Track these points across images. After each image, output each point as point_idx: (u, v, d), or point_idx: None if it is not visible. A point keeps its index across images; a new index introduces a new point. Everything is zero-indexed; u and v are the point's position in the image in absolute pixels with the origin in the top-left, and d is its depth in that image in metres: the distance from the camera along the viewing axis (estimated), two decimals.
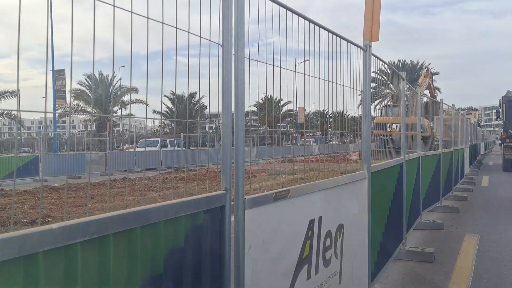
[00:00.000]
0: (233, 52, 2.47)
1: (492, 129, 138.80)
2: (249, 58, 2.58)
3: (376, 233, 5.09)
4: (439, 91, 67.22)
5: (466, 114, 26.62)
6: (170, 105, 52.30)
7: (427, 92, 35.80)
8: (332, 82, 3.88)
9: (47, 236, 1.51)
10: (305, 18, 3.30)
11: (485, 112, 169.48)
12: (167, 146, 30.74)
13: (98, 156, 26.52)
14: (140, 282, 1.92)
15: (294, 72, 3.28)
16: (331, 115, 5.84)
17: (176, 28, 2.09)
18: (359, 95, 4.71)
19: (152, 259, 1.99)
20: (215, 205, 2.40)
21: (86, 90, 53.57)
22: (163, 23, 2.01)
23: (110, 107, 54.94)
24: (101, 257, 1.74)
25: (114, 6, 1.83)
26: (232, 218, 2.49)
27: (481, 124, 61.06)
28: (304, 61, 3.48)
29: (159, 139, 29.52)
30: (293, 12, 3.11)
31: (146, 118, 2.27)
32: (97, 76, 54.60)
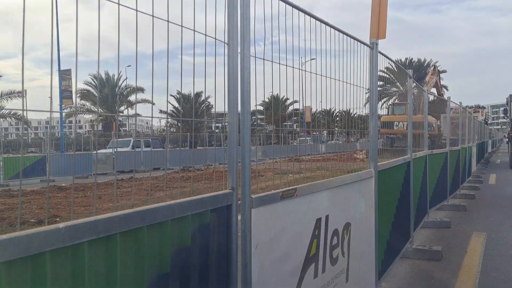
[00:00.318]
0: (239, 50, 2.46)
1: (499, 127, 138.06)
2: (255, 57, 2.57)
3: (383, 231, 5.07)
4: (446, 89, 66.86)
5: (474, 112, 26.47)
6: (177, 104, 52.43)
7: (434, 90, 35.61)
8: (339, 81, 3.87)
9: (54, 236, 1.52)
10: (311, 15, 3.28)
11: (493, 110, 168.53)
12: (141, 147, 29.19)
13: (105, 155, 26.57)
14: (147, 281, 1.92)
15: (300, 71, 3.27)
16: (337, 114, 5.82)
17: (182, 26, 2.09)
18: (366, 93, 4.69)
19: (159, 258, 1.99)
20: (222, 204, 2.40)
21: (92, 90, 53.78)
22: (168, 21, 2.00)
23: (117, 106, 55.17)
24: (108, 256, 1.74)
25: (119, 4, 1.83)
26: (239, 217, 2.49)
27: (489, 122, 60.77)
28: (311, 59, 3.46)
29: (131, 139, 28.68)
30: (299, 9, 3.10)
31: (152, 117, 2.27)
32: (103, 76, 54.83)
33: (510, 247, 7.25)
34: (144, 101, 50.91)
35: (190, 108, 49.34)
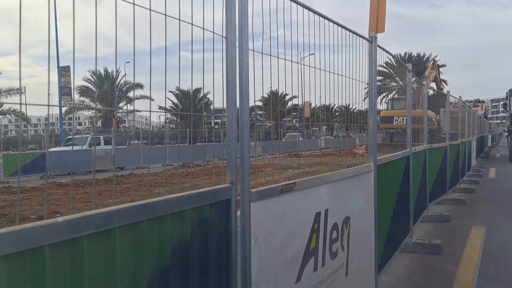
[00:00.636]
0: (237, 44, 2.46)
1: (499, 121, 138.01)
2: (253, 50, 2.56)
3: (382, 225, 5.08)
4: (446, 84, 66.93)
5: (473, 106, 26.48)
6: (176, 100, 52.33)
7: (433, 84, 35.62)
8: (338, 74, 3.87)
9: (53, 230, 1.52)
10: (310, 9, 3.27)
11: (492, 104, 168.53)
12: (100, 144, 27.26)
13: (104, 152, 26.53)
14: (147, 275, 1.92)
15: (299, 65, 3.27)
16: (337, 109, 5.82)
17: (179, 20, 2.08)
18: (365, 88, 4.69)
19: (159, 252, 1.99)
20: (221, 198, 2.40)
21: (91, 87, 53.70)
22: (165, 15, 2.00)
23: (115, 103, 55.08)
24: (108, 250, 1.74)
25: None
26: (238, 212, 2.49)
27: (488, 116, 60.77)
28: (310, 54, 3.46)
29: (88, 136, 26.95)
30: (298, 3, 3.09)
31: (150, 111, 2.27)
32: (102, 72, 54.74)
33: (509, 241, 7.27)
34: (143, 97, 50.81)
35: (189, 104, 49.30)
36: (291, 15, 3.00)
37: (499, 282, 5.46)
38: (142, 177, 18.70)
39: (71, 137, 29.75)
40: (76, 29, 1.85)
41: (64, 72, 34.21)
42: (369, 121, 4.75)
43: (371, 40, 4.67)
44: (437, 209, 9.78)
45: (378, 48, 4.83)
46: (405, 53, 70.49)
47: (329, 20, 3.64)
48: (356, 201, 4.23)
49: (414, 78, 7.96)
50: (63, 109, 41.97)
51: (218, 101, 2.55)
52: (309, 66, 3.41)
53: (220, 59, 2.46)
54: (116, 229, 1.76)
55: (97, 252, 1.70)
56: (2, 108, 44.45)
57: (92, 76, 53.14)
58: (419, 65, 63.97)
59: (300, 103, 4.42)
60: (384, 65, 7.70)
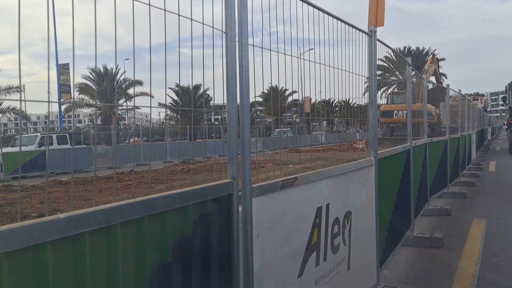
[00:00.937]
0: (237, 39, 2.45)
1: (499, 114, 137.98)
2: (253, 45, 2.56)
3: (384, 219, 5.08)
4: (445, 77, 66.85)
5: (473, 100, 26.47)
6: (176, 97, 52.26)
7: (433, 78, 35.57)
8: (338, 69, 3.86)
9: (54, 226, 1.52)
10: (309, 3, 3.26)
11: (492, 97, 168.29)
12: (53, 144, 25.21)
13: (104, 149, 26.53)
14: (149, 271, 1.92)
15: (299, 59, 3.26)
16: (337, 103, 5.81)
17: (179, 15, 2.08)
18: (365, 82, 4.68)
19: (161, 248, 1.99)
20: (223, 194, 2.40)
21: (91, 84, 53.59)
22: (165, 10, 1.99)
23: (115, 100, 54.97)
24: (109, 246, 1.74)
25: None
26: (240, 208, 2.49)
27: (488, 109, 60.72)
28: (309, 49, 3.45)
29: (37, 134, 25.22)
30: None
31: (150, 106, 2.26)
32: (102, 69, 54.63)
33: (510, 233, 7.27)
34: (143, 93, 50.72)
35: (189, 101, 49.24)
36: (290, 9, 2.99)
37: (501, 274, 5.46)
38: (143, 174, 18.71)
39: (18, 137, 28.32)
40: (75, 27, 1.84)
41: (63, 69, 34.18)
42: (369, 115, 4.75)
43: (371, 34, 4.66)
44: (438, 202, 9.78)
45: (377, 42, 4.82)
46: (404, 47, 70.42)
47: (329, 14, 3.63)
48: (357, 196, 4.24)
49: (413, 72, 7.95)
50: (63, 106, 41.94)
51: (219, 97, 2.55)
52: (309, 60, 3.40)
53: (220, 55, 2.45)
54: (117, 225, 1.76)
55: (99, 248, 1.70)
56: (2, 106, 44.34)
57: (91, 73, 53.05)
58: (418, 59, 63.83)
59: (300, 98, 4.41)
60: (384, 59, 7.67)
